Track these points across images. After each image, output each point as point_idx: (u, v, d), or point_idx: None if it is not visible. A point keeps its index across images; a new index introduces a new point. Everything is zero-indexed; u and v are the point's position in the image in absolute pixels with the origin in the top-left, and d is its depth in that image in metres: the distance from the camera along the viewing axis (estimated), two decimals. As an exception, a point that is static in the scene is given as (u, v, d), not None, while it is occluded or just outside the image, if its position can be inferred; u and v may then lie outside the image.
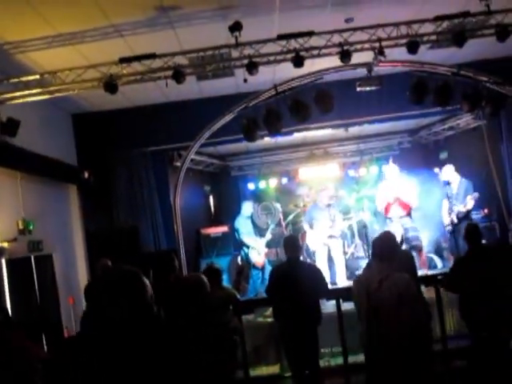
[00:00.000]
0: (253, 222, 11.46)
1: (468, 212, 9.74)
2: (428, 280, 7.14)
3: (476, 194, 9.53)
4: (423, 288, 6.47)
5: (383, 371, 4.77)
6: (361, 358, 6.72)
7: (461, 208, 9.64)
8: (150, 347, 2.64)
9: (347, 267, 10.21)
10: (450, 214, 9.87)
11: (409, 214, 10.10)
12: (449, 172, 10.02)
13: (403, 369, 4.58)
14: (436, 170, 10.38)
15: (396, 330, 4.53)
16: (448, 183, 9.99)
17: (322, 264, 9.58)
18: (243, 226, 10.79)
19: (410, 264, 6.47)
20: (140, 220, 9.58)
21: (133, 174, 9.69)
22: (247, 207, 11.12)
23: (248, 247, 10.61)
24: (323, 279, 6.40)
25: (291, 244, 6.39)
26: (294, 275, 6.06)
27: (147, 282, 2.75)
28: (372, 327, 4.72)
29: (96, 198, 9.35)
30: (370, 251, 5.11)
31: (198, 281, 5.02)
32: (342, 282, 9.55)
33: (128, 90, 7.75)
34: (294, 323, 5.96)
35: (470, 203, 9.65)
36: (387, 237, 5.23)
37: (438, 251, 10.84)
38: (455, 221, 9.70)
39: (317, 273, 6.38)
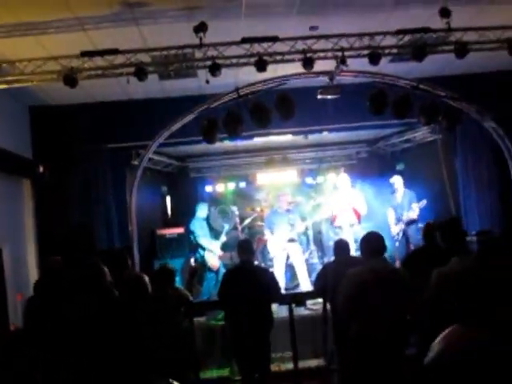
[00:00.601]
0: (208, 225, 11.45)
1: (414, 220, 10.08)
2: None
3: (424, 202, 9.84)
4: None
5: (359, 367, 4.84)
6: (311, 363, 6.79)
7: (410, 214, 9.98)
8: (110, 333, 2.63)
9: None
10: (396, 223, 10.21)
11: (359, 222, 10.32)
12: (397, 182, 10.33)
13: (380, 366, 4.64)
14: (392, 180, 10.59)
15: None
16: (393, 192, 10.32)
17: (279, 269, 9.64)
18: (199, 228, 10.75)
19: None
20: (94, 217, 9.44)
21: (90, 170, 9.54)
22: (202, 209, 11.09)
23: (204, 249, 10.57)
24: (276, 284, 6.44)
25: (245, 247, 6.42)
26: (247, 279, 6.08)
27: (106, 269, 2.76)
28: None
29: (51, 193, 9.17)
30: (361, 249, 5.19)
31: (136, 279, 5.03)
32: (306, 287, 9.56)
33: (89, 84, 7.65)
34: (246, 327, 5.97)
35: (416, 211, 10.12)
36: (376, 234, 5.31)
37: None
38: (403, 227, 10.05)
39: (269, 277, 6.41)
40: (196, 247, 10.89)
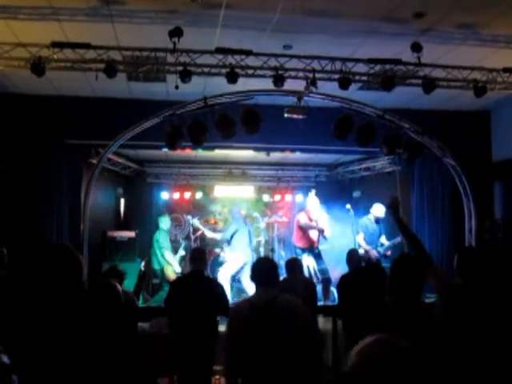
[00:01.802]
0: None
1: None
2: (326, 310, 7.29)
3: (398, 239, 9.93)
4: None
5: None
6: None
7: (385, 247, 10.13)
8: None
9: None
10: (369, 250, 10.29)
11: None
12: (380, 211, 10.42)
13: None
14: (348, 206, 10.69)
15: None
16: (377, 221, 10.41)
17: (225, 281, 9.64)
18: (164, 240, 11.08)
19: (311, 293, 6.61)
20: (45, 213, 9.22)
21: (46, 164, 9.33)
22: (165, 221, 11.40)
23: (166, 262, 10.84)
24: (225, 296, 6.38)
25: (196, 256, 6.35)
26: (194, 288, 6.01)
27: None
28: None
29: (4, 185, 8.91)
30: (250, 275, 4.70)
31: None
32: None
33: (55, 76, 7.53)
34: (189, 337, 5.90)
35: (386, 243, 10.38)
36: (268, 260, 5.05)
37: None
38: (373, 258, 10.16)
39: (217, 288, 6.34)
40: (152, 255, 11.14)
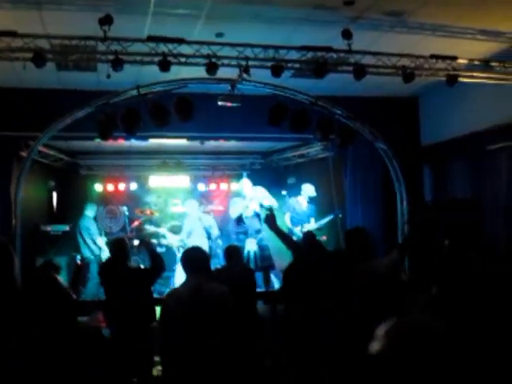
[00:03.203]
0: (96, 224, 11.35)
1: None
2: (267, 296, 7.37)
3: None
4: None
5: None
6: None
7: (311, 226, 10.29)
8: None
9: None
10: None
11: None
12: (311, 190, 10.61)
13: None
14: (283, 192, 10.83)
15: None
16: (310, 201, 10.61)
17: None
18: (92, 226, 11.04)
19: (249, 280, 6.68)
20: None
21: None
22: (91, 209, 11.41)
23: (99, 248, 10.83)
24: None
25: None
26: (120, 277, 6.03)
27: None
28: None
29: None
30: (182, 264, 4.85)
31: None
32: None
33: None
34: (124, 327, 5.87)
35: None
36: (197, 249, 5.14)
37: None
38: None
39: (144, 276, 6.38)
40: (80, 245, 10.90)
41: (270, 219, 5.14)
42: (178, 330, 4.38)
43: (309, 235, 6.62)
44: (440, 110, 10.10)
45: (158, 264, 6.40)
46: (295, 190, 11.64)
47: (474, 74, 7.90)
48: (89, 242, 10.88)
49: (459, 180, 9.70)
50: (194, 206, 11.38)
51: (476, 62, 7.90)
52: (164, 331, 4.58)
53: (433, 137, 10.37)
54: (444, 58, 7.66)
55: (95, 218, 11.87)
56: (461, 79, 7.82)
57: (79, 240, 11.05)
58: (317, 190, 11.19)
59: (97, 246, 10.91)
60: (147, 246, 6.85)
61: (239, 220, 10.62)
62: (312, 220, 10.71)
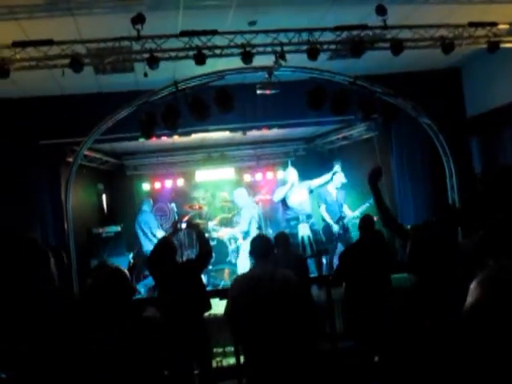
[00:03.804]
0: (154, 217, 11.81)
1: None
2: (320, 281, 7.32)
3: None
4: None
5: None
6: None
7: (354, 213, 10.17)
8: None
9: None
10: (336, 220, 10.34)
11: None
12: (341, 179, 10.49)
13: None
14: (336, 167, 10.76)
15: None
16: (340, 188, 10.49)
17: None
18: (151, 220, 11.25)
19: (301, 266, 6.64)
20: (28, 217, 9.12)
21: (22, 168, 9.19)
22: (148, 204, 11.64)
23: None
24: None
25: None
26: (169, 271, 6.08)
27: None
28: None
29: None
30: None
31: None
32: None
33: (21, 78, 7.37)
34: (178, 319, 5.91)
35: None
36: (263, 236, 5.26)
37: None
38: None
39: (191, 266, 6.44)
40: (141, 240, 11.09)
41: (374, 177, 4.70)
42: (250, 314, 4.40)
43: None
44: (484, 78, 9.78)
45: (205, 249, 6.42)
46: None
47: (517, 39, 7.65)
48: (149, 235, 11.01)
49: (510, 148, 9.40)
50: (243, 194, 11.38)
51: (518, 26, 7.63)
52: (237, 316, 4.53)
53: (479, 107, 10.06)
54: (483, 24, 7.44)
55: (151, 212, 11.99)
56: (503, 45, 7.57)
57: (139, 234, 11.20)
58: (364, 172, 11.00)
59: (157, 238, 10.90)
60: (195, 227, 6.85)
61: (284, 204, 10.57)
62: (346, 207, 10.56)
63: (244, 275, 4.95)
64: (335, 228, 10.39)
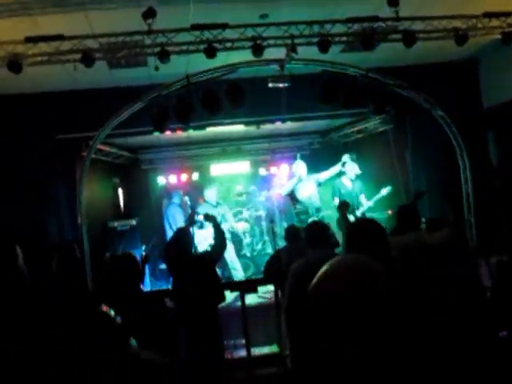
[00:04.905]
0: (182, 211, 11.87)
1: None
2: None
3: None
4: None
5: None
6: (264, 350, 6.79)
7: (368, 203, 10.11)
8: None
9: (255, 263, 10.40)
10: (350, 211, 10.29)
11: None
12: (355, 169, 10.42)
13: None
14: (345, 157, 10.71)
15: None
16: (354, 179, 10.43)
17: None
18: (178, 213, 11.50)
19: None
20: (44, 212, 9.22)
21: (38, 162, 9.29)
22: (177, 196, 11.90)
23: None
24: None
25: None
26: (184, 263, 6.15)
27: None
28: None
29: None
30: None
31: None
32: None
33: (34, 74, 7.36)
34: (193, 310, 5.97)
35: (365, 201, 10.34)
36: (320, 223, 5.40)
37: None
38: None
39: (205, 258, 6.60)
40: (167, 232, 11.45)
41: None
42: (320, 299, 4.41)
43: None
44: (501, 70, 9.67)
45: (220, 240, 6.54)
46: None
47: (532, 29, 7.54)
48: (174, 228, 11.09)
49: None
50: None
51: (533, 16, 7.53)
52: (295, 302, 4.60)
53: (496, 99, 9.95)
54: (498, 15, 7.35)
55: (180, 206, 12.09)
56: (518, 36, 7.48)
57: (167, 227, 11.49)
58: (379, 165, 10.97)
59: None
60: (212, 220, 6.90)
61: (293, 198, 10.55)
62: (362, 197, 10.48)
63: (302, 262, 4.87)
64: (351, 218, 10.35)
